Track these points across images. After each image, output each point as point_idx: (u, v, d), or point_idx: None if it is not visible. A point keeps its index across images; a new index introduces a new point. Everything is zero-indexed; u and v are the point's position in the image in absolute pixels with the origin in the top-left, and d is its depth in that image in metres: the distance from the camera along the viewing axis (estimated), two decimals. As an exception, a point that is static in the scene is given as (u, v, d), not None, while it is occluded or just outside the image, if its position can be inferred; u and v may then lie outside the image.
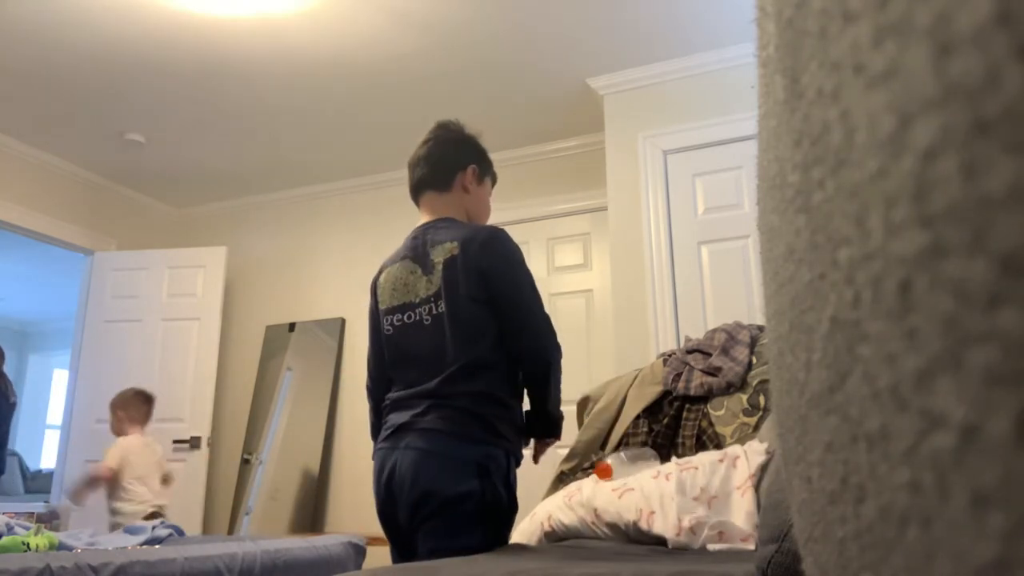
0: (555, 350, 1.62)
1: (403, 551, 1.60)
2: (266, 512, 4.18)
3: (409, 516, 1.53)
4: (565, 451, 2.31)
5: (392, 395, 1.65)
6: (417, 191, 1.73)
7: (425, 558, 1.48)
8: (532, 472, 3.60)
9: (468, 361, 1.55)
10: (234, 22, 3.06)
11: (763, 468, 1.49)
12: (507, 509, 1.56)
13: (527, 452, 2.59)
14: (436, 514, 1.49)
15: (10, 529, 2.40)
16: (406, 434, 1.54)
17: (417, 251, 1.65)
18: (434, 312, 1.60)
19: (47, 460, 8.17)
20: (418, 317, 1.62)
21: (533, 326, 1.58)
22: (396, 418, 1.59)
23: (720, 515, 1.50)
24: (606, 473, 1.73)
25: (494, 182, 1.82)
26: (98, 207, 4.60)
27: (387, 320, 1.66)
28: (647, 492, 1.61)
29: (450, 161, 1.70)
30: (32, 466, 7.77)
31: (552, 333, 1.62)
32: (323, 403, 4.27)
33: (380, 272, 1.74)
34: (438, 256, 1.61)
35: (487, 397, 1.55)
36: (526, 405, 1.68)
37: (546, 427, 1.65)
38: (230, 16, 3.01)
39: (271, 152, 4.27)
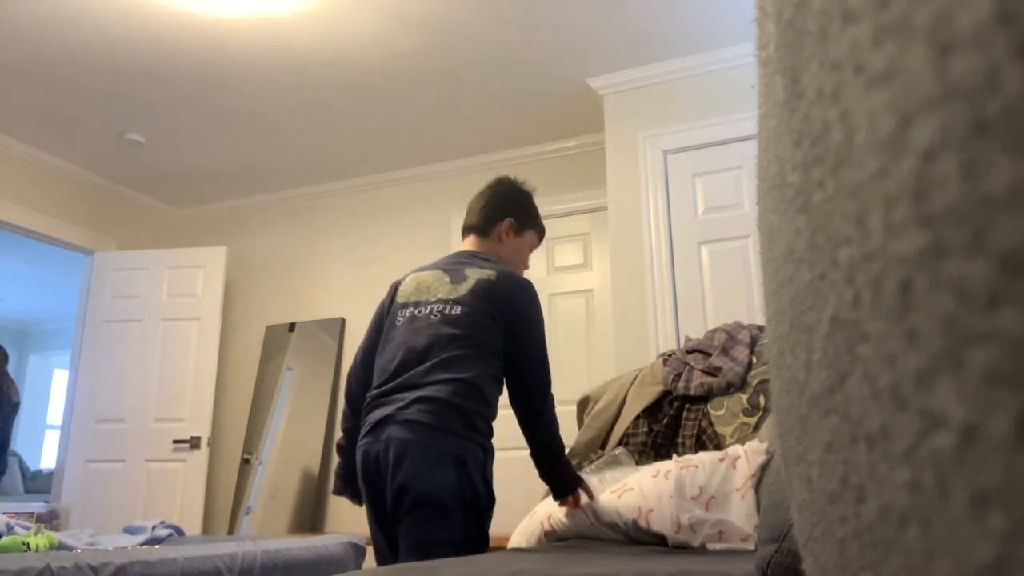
0: (547, 400, 1.72)
1: (392, 543, 1.66)
2: (266, 512, 4.18)
3: (393, 506, 1.60)
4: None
5: (373, 391, 1.73)
6: (465, 232, 1.97)
7: (407, 550, 1.56)
8: (532, 472, 3.60)
9: (462, 352, 1.66)
10: (234, 22, 3.06)
11: (763, 468, 1.49)
12: (485, 502, 1.63)
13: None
14: (415, 506, 1.56)
15: (10, 529, 2.40)
16: (387, 426, 1.63)
17: (452, 266, 1.83)
18: (445, 311, 1.72)
19: (47, 460, 8.17)
20: (428, 311, 1.74)
21: (536, 366, 1.72)
22: (377, 414, 1.68)
23: (719, 515, 1.50)
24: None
25: (541, 236, 1.99)
26: (98, 207, 4.60)
27: (401, 312, 1.81)
28: (646, 490, 1.61)
29: (493, 213, 1.93)
30: (32, 466, 7.76)
31: (548, 386, 1.73)
32: (323, 403, 4.27)
33: (406, 275, 1.91)
34: (473, 274, 1.77)
35: (472, 388, 1.64)
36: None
37: (560, 487, 1.73)
38: (230, 16, 3.01)
39: (271, 152, 4.27)
